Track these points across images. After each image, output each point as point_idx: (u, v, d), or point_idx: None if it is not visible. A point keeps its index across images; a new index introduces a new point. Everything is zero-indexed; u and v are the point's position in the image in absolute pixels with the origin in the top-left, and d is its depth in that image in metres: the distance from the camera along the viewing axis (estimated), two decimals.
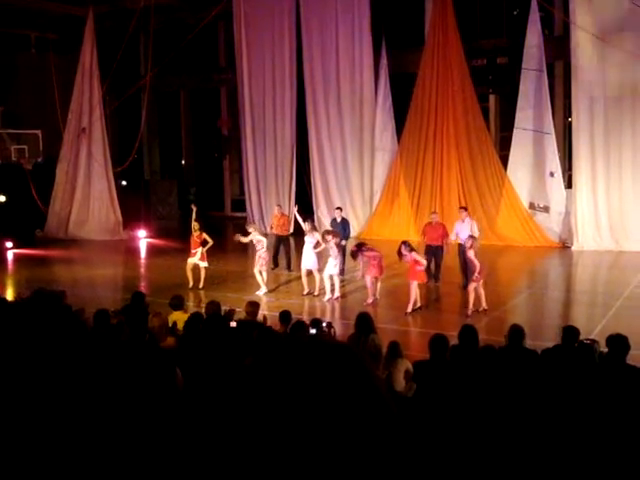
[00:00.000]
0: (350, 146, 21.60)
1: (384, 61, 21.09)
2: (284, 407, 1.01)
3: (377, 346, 7.37)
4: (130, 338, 6.60)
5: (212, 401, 3.85)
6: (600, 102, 17.94)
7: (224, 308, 8.77)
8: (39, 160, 22.69)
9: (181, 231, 19.64)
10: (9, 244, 19.83)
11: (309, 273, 13.60)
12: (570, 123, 19.77)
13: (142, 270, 18.08)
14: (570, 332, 6.82)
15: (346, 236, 14.72)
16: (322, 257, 13.57)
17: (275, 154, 22.81)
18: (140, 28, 23.14)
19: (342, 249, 13.94)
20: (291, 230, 17.34)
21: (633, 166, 17.86)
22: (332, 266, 12.98)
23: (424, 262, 12.13)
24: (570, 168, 19.35)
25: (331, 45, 21.33)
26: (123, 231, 22.72)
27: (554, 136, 18.90)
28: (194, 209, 14.90)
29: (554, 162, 19.02)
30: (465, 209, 14.76)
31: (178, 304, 8.97)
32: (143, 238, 22.10)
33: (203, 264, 14.12)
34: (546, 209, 19.25)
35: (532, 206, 19.41)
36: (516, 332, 6.82)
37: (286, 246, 16.15)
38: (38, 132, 22.39)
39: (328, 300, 12.97)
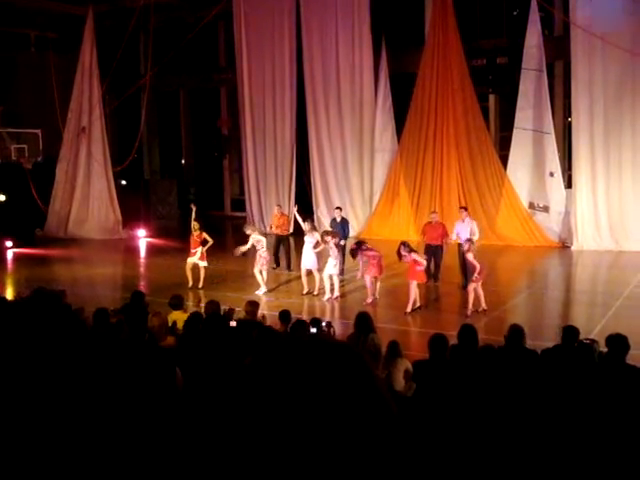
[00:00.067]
0: (350, 146, 21.60)
1: (384, 61, 21.08)
2: (284, 406, 1.01)
3: (376, 346, 7.37)
4: (129, 337, 6.60)
5: (212, 400, 3.85)
6: (600, 102, 17.94)
7: (224, 308, 8.77)
8: (39, 159, 22.69)
9: (181, 231, 19.64)
10: (9, 243, 19.84)
11: (309, 273, 13.60)
12: (570, 123, 19.77)
13: (142, 269, 18.08)
14: (570, 332, 6.82)
15: (345, 236, 14.72)
16: (322, 257, 13.57)
17: (275, 154, 22.80)
18: (140, 27, 23.14)
19: (342, 249, 13.94)
20: (291, 230, 17.33)
21: (633, 166, 17.86)
22: (332, 266, 12.98)
23: (424, 262, 12.13)
24: (570, 168, 19.36)
25: (331, 45, 21.32)
26: (123, 230, 22.72)
27: (554, 136, 18.90)
28: (193, 208, 14.91)
29: (554, 162, 19.02)
30: (465, 209, 14.76)
31: (178, 304, 8.97)
32: (143, 237, 22.10)
33: (203, 263, 14.12)
34: (546, 209, 19.25)
35: (532, 206, 19.41)
36: (516, 332, 6.82)
37: (286, 246, 16.15)
38: (38, 131, 22.39)
39: (328, 300, 12.97)
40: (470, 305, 11.61)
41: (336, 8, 21.01)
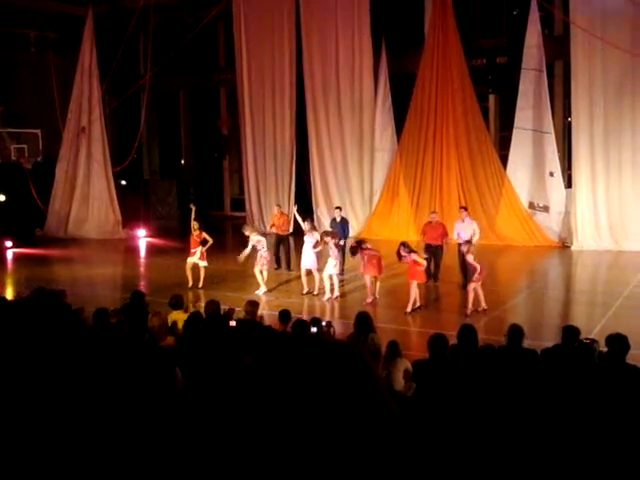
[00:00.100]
0: (350, 146, 21.59)
1: (384, 61, 21.09)
2: (284, 406, 1.01)
3: (376, 345, 7.37)
4: (129, 337, 6.60)
5: (212, 400, 3.85)
6: (600, 102, 17.94)
7: (223, 307, 8.77)
8: (39, 159, 22.69)
9: (180, 230, 19.64)
10: (9, 243, 19.84)
11: (309, 272, 13.60)
12: (570, 123, 19.78)
13: (141, 269, 18.08)
14: (570, 332, 6.82)
15: (345, 236, 14.73)
16: (322, 257, 13.57)
17: (275, 154, 22.80)
18: (140, 27, 23.13)
19: (341, 249, 13.94)
20: (291, 230, 17.32)
21: (633, 166, 17.86)
22: (332, 266, 12.98)
23: (424, 262, 12.14)
24: (570, 168, 19.36)
25: (331, 45, 21.31)
26: (122, 230, 22.72)
27: (554, 136, 18.90)
28: (193, 208, 14.92)
29: (554, 162, 19.02)
30: (465, 209, 14.76)
31: (177, 303, 8.97)
32: (142, 237, 22.11)
33: (203, 263, 14.12)
34: (546, 209, 19.25)
35: (532, 206, 19.41)
36: (515, 332, 6.82)
37: (286, 246, 16.15)
38: (38, 131, 22.39)
39: (327, 299, 12.97)
40: (470, 305, 11.61)
41: (336, 8, 21.01)
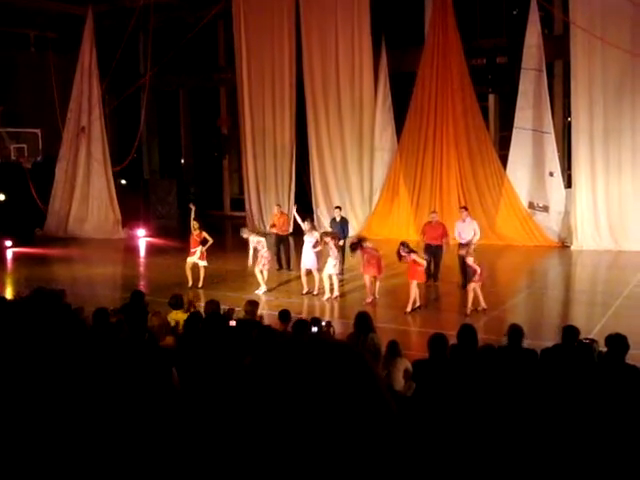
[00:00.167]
0: (350, 145, 21.59)
1: (384, 61, 21.08)
2: (284, 406, 1.01)
3: (376, 345, 7.37)
4: (128, 337, 6.60)
5: (211, 400, 3.85)
6: (599, 102, 17.94)
7: (223, 308, 8.77)
8: (38, 159, 22.70)
9: (180, 230, 19.64)
10: (9, 243, 19.84)
11: (308, 272, 13.60)
12: (569, 123, 19.78)
13: (141, 269, 18.08)
14: (570, 331, 6.82)
15: (345, 235, 14.73)
16: (322, 256, 13.57)
17: (275, 153, 22.80)
18: (139, 27, 23.13)
19: (341, 249, 13.94)
20: (290, 230, 17.32)
21: (633, 166, 17.86)
22: (331, 266, 12.99)
23: (424, 262, 12.15)
24: (569, 168, 19.36)
25: (331, 44, 21.31)
26: (122, 230, 22.71)
27: (553, 136, 18.90)
28: (192, 208, 14.91)
29: (553, 162, 19.02)
30: (466, 209, 14.77)
31: (177, 303, 8.96)
32: (142, 237, 22.10)
33: (202, 263, 14.12)
34: (545, 209, 19.25)
35: (531, 205, 19.41)
36: (515, 332, 6.83)
37: (286, 245, 16.15)
38: (37, 131, 22.40)
39: (327, 299, 12.98)
40: (469, 305, 11.62)
41: (336, 7, 21.01)
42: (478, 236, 13.80)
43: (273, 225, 16.21)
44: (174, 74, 26.28)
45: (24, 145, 22.17)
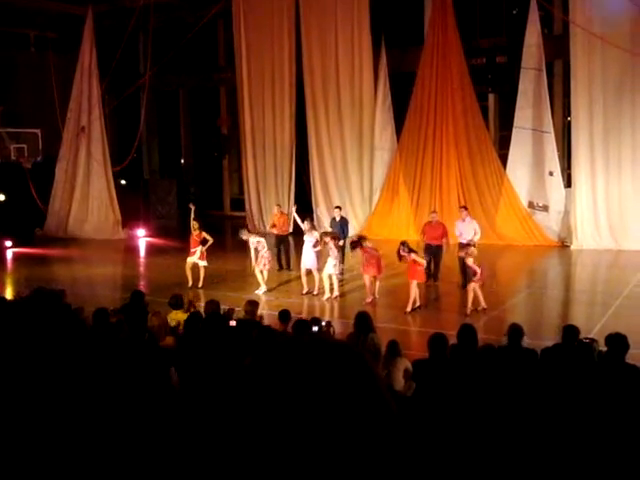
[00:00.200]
0: (349, 145, 21.59)
1: (383, 60, 21.08)
2: (285, 406, 1.01)
3: (376, 345, 7.37)
4: (128, 337, 6.60)
5: (211, 400, 3.85)
6: (599, 101, 17.94)
7: (223, 307, 8.76)
8: (38, 159, 22.69)
9: (180, 230, 19.64)
10: (8, 243, 19.84)
11: (308, 272, 13.60)
12: (569, 122, 19.77)
13: (141, 269, 18.08)
14: (570, 331, 6.82)
15: (345, 235, 14.72)
16: (322, 256, 13.57)
17: (274, 153, 22.80)
18: (139, 27, 23.12)
19: (341, 249, 13.94)
20: (290, 230, 17.32)
21: (632, 165, 17.86)
22: (331, 266, 12.99)
23: (424, 262, 12.15)
24: (569, 167, 19.36)
25: (330, 44, 21.31)
26: (122, 230, 22.70)
27: (553, 135, 18.90)
28: (192, 208, 14.91)
29: (553, 161, 19.02)
30: (465, 208, 14.78)
31: (177, 303, 8.97)
32: (142, 237, 22.10)
33: (202, 263, 14.11)
34: (545, 208, 19.25)
35: (531, 205, 19.41)
36: (515, 331, 6.83)
37: (286, 246, 16.15)
38: (37, 131, 22.39)
39: (327, 299, 12.98)
40: (469, 304, 11.62)
41: (335, 7, 21.00)
42: (479, 235, 13.81)
43: (274, 225, 16.20)
44: (174, 74, 26.29)
45: (24, 145, 22.17)
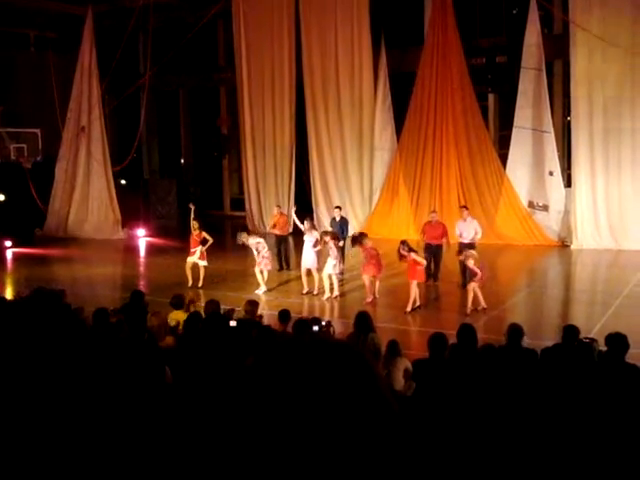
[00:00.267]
0: (349, 145, 21.59)
1: (383, 60, 21.08)
2: (286, 406, 1.01)
3: (376, 345, 7.37)
4: (127, 337, 6.60)
5: (211, 400, 3.85)
6: (599, 101, 17.94)
7: (223, 307, 8.76)
8: (38, 159, 22.70)
9: (180, 230, 19.63)
10: (8, 243, 19.83)
11: (308, 272, 13.60)
12: (569, 122, 19.77)
13: (141, 269, 18.08)
14: (570, 331, 6.82)
15: (345, 235, 14.72)
16: (322, 256, 13.57)
17: (274, 153, 22.80)
18: (139, 27, 23.12)
19: (341, 249, 13.94)
20: (290, 230, 17.31)
21: (632, 165, 17.86)
22: (331, 266, 12.99)
23: (423, 262, 12.15)
24: (569, 167, 19.36)
25: (330, 44, 21.31)
26: (122, 230, 22.71)
27: (553, 135, 18.90)
28: (192, 208, 14.91)
29: (553, 161, 19.02)
30: (466, 208, 14.77)
31: (178, 303, 8.96)
32: (142, 237, 22.10)
33: (202, 263, 14.11)
34: (545, 208, 19.25)
35: (531, 205, 19.41)
36: (515, 331, 6.83)
37: (285, 245, 16.15)
38: (37, 131, 22.40)
39: (327, 299, 12.98)
40: (469, 304, 11.62)
41: (335, 7, 21.01)
42: (480, 235, 13.80)
43: (274, 226, 16.19)
44: (174, 74, 26.28)
45: (24, 145, 22.17)
